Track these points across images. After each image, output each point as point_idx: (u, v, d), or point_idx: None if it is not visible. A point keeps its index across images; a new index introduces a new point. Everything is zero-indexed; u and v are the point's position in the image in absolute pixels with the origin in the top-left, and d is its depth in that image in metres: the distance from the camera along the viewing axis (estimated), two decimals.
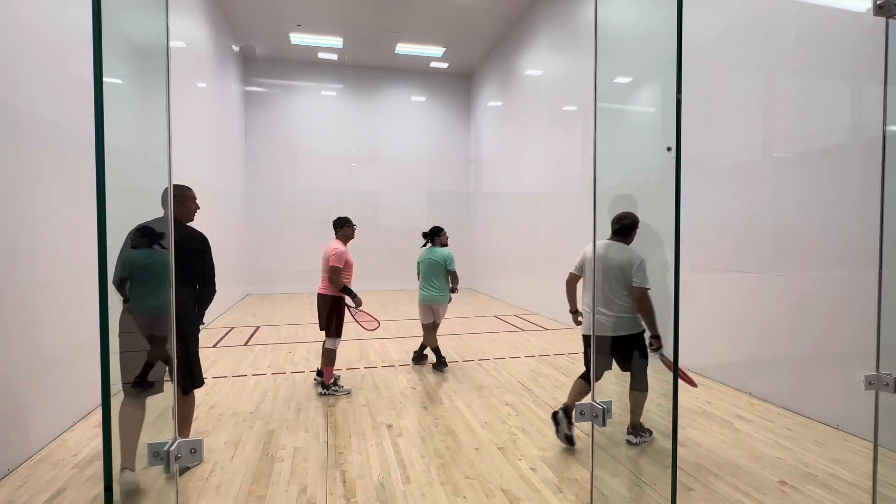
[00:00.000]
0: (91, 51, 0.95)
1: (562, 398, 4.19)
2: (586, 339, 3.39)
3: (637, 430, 3.24)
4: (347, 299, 4.47)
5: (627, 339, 3.15)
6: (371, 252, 12.22)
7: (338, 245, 4.43)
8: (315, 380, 4.71)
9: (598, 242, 3.15)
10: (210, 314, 7.61)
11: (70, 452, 3.18)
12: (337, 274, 4.29)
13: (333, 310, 4.39)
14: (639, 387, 3.20)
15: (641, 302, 3.05)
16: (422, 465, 3.04)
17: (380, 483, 2.82)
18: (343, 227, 4.55)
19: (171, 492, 1.22)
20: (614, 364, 3.22)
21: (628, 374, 3.21)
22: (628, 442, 3.23)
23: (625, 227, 3.15)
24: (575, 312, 3.56)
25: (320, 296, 4.50)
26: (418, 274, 5.32)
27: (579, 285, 3.51)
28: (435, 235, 5.29)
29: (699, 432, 3.52)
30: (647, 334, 3.10)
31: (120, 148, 1.03)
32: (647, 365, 3.16)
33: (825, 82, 3.75)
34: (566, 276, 3.56)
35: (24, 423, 3.10)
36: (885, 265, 1.85)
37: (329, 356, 4.37)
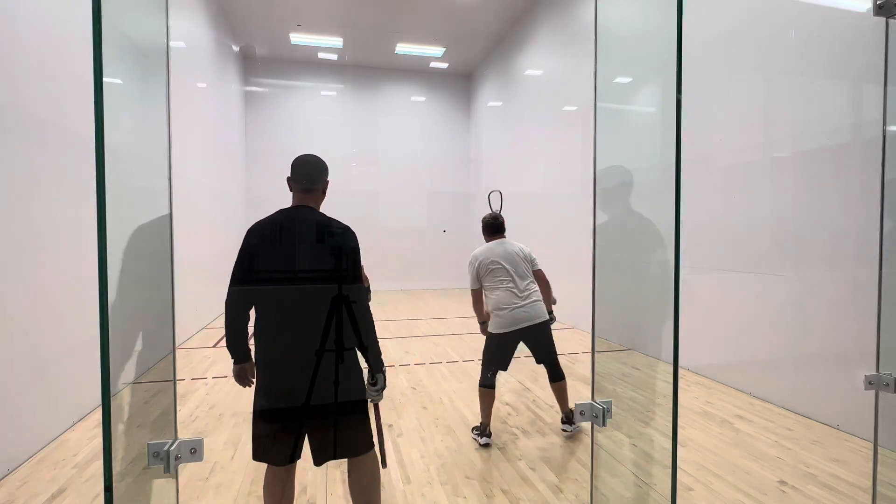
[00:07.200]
0: (91, 51, 0.95)
1: None
2: (509, 336, 3.41)
3: (570, 417, 3.45)
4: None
5: (544, 326, 3.45)
6: (371, 252, 12.19)
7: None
8: None
9: (489, 245, 3.64)
10: (210, 314, 7.60)
11: (70, 452, 3.18)
12: None
13: None
14: (561, 375, 3.50)
15: (546, 279, 3.55)
16: (422, 465, 3.04)
17: None
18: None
19: (171, 492, 1.21)
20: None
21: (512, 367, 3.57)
22: (564, 431, 3.47)
23: (503, 225, 3.72)
24: (484, 323, 3.70)
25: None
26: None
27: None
28: None
29: (699, 432, 3.52)
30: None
31: (120, 148, 1.03)
32: (556, 352, 3.53)
33: (825, 82, 3.74)
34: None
35: (24, 423, 3.10)
36: (885, 265, 1.85)
37: None
